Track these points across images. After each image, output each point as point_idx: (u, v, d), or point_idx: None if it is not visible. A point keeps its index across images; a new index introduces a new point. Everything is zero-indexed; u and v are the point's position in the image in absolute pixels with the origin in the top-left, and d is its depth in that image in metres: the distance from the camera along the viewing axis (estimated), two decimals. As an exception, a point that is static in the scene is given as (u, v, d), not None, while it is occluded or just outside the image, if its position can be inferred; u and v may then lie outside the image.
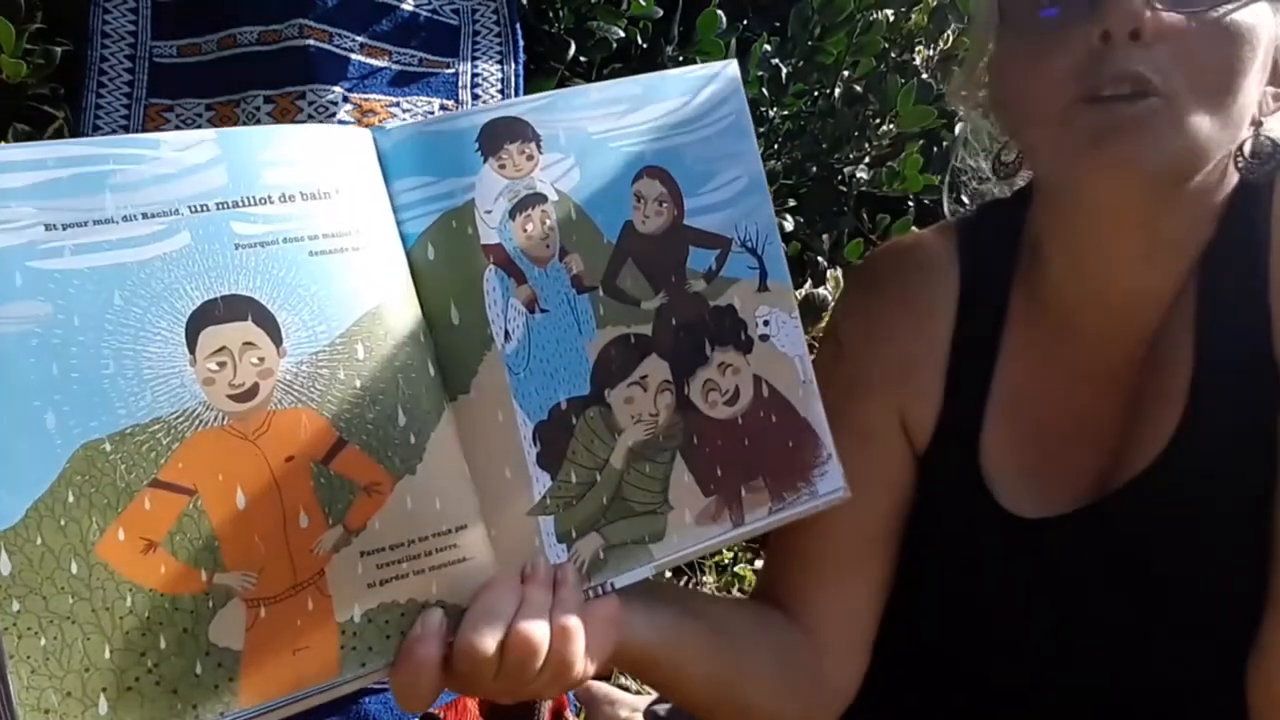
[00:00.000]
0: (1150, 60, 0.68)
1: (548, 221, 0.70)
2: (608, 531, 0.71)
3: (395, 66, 1.25)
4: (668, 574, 1.59)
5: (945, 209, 0.95)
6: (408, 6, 1.29)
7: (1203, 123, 0.69)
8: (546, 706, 1.22)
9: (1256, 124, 0.75)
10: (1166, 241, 0.77)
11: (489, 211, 0.69)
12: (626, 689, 1.42)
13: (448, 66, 1.27)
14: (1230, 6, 0.69)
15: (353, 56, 1.22)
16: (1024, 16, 0.73)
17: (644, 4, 1.38)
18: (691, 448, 0.74)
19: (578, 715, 1.35)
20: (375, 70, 1.23)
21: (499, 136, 0.70)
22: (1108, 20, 0.68)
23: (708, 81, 0.77)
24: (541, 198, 0.70)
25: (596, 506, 0.71)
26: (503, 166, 0.70)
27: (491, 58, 1.28)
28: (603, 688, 1.37)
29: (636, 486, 0.72)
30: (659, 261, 0.74)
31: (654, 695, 1.32)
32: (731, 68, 0.78)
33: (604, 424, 0.71)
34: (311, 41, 1.19)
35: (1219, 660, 0.77)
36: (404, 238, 0.67)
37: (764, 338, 0.78)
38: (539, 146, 0.71)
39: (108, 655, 0.54)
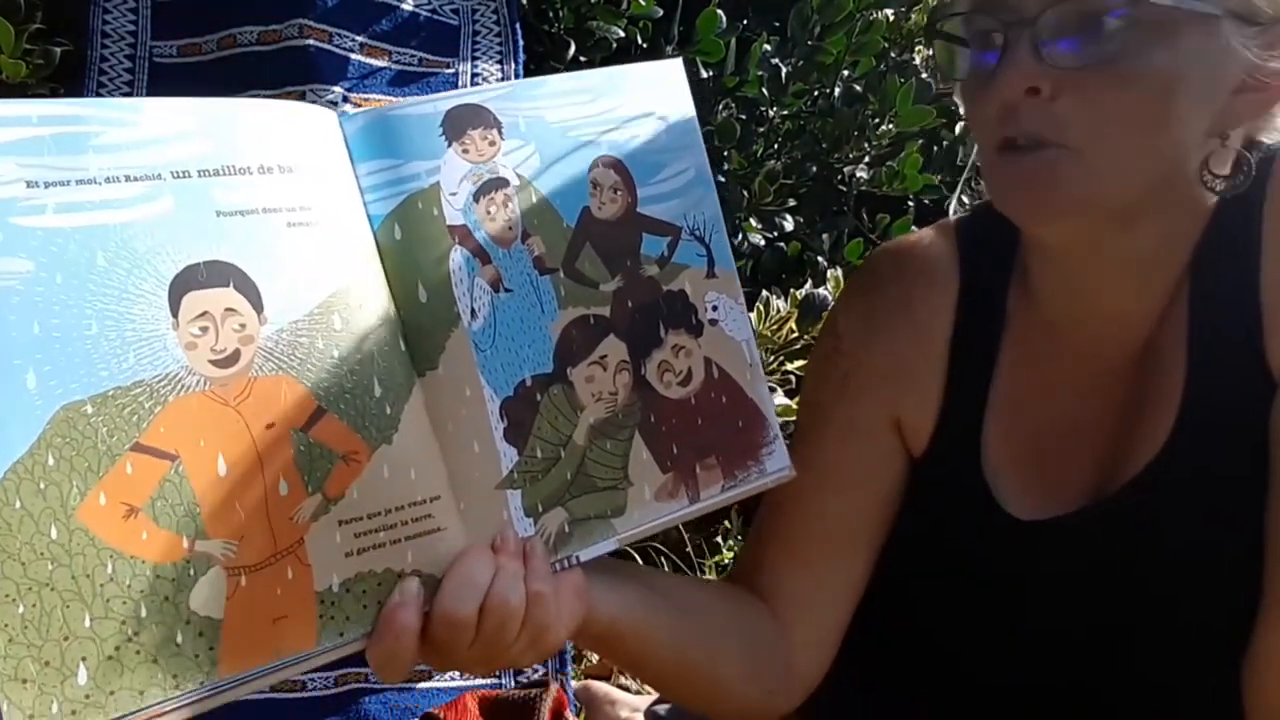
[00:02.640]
0: (1052, 114, 0.69)
1: (510, 205, 0.73)
2: (572, 506, 0.73)
3: (395, 66, 1.26)
4: (666, 569, 1.59)
5: (951, 207, 0.96)
6: (408, 6, 1.30)
7: (1115, 165, 0.70)
8: (547, 706, 1.21)
9: (1222, 136, 0.73)
10: (1144, 259, 0.78)
11: (454, 194, 0.71)
12: (626, 689, 1.41)
13: (448, 66, 1.28)
14: (1127, 54, 0.68)
15: (352, 56, 1.22)
16: (956, 70, 0.77)
17: (644, 4, 1.39)
18: (649, 426, 0.77)
19: (578, 715, 1.34)
20: (375, 70, 1.24)
21: (462, 122, 0.72)
22: (1004, 84, 0.70)
23: (657, 78, 0.81)
24: (504, 182, 0.73)
25: (561, 482, 0.72)
26: (466, 151, 0.72)
27: (491, 58, 1.29)
28: (602, 687, 1.36)
29: (598, 463, 0.74)
30: (615, 246, 0.77)
31: (654, 695, 1.31)
32: (676, 65, 0.82)
33: (567, 401, 0.73)
34: (311, 41, 1.19)
35: (1213, 662, 0.77)
36: (370, 218, 0.68)
37: (713, 322, 0.81)
38: (500, 133, 0.73)
39: (87, 624, 0.53)
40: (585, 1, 1.38)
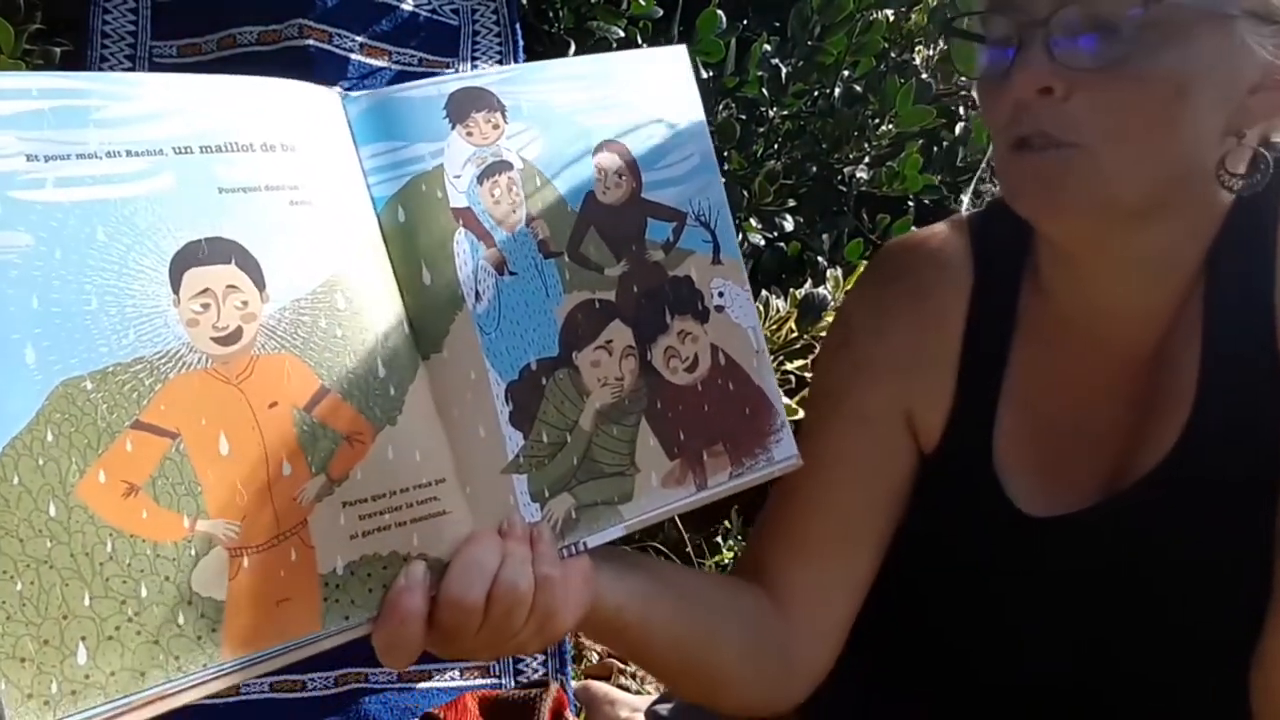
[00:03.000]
0: (1065, 114, 0.69)
1: (514, 188, 0.72)
2: (579, 492, 0.72)
3: (395, 66, 1.26)
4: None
5: (964, 206, 0.96)
6: (407, 6, 1.29)
7: (1128, 166, 0.70)
8: (546, 706, 1.20)
9: (1239, 134, 0.72)
10: (1156, 259, 0.77)
11: (457, 176, 0.70)
12: (626, 689, 1.40)
13: (448, 66, 1.28)
14: (1140, 54, 0.68)
15: (352, 56, 1.22)
16: (966, 70, 0.77)
17: (644, 4, 1.39)
18: (655, 412, 0.76)
19: (578, 715, 1.33)
20: (375, 70, 1.24)
21: (466, 105, 0.71)
22: (1016, 83, 0.70)
23: (660, 64, 0.80)
24: (508, 165, 0.72)
25: (567, 467, 0.71)
26: (470, 134, 0.71)
27: (491, 58, 1.29)
28: (602, 687, 1.36)
29: (605, 448, 0.73)
30: (619, 231, 0.76)
31: (654, 695, 1.30)
32: (681, 52, 0.82)
33: (572, 386, 0.72)
34: (311, 41, 1.19)
35: (1221, 663, 0.77)
36: (373, 200, 0.67)
37: (719, 308, 0.80)
38: (504, 116, 0.72)
39: (87, 602, 0.52)
40: (585, 1, 1.38)
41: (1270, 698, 0.75)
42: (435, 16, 1.31)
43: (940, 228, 0.92)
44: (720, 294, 0.81)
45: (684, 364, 0.78)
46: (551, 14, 1.40)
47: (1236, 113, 0.71)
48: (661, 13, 1.44)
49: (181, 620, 0.54)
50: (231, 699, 1.29)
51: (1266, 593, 0.75)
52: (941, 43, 1.60)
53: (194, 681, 0.54)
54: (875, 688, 0.97)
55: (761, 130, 1.53)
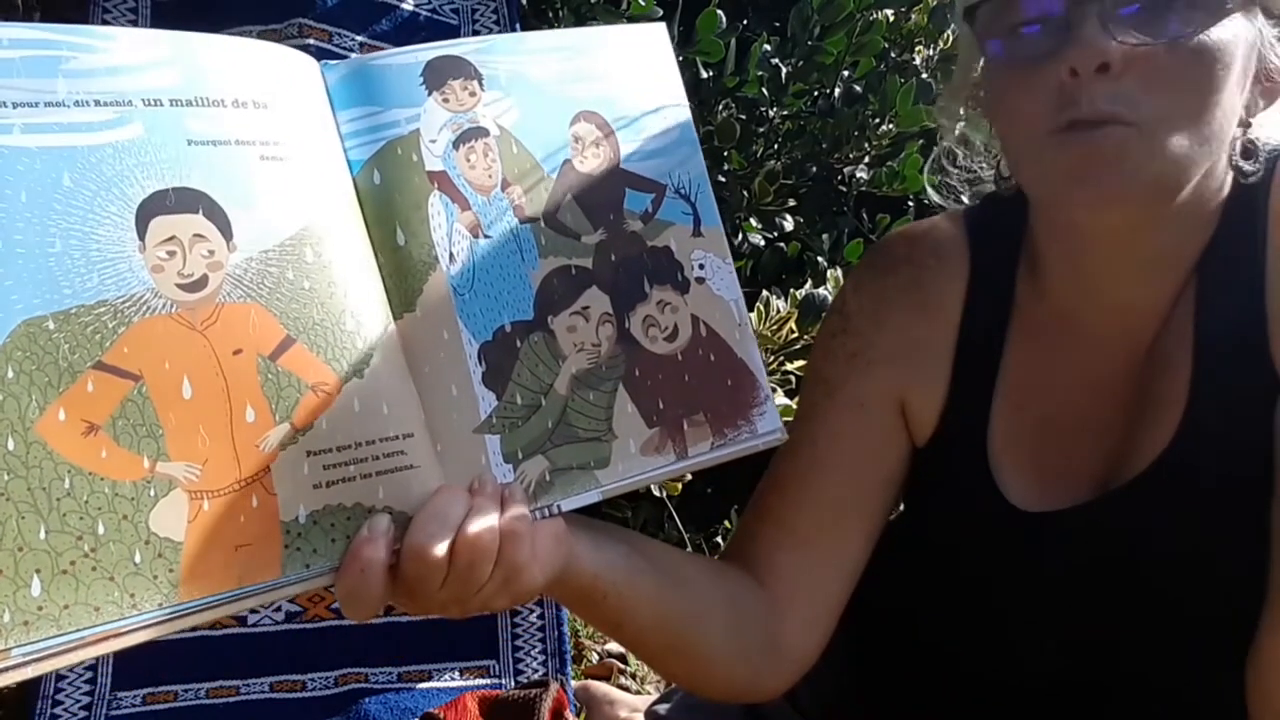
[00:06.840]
0: (1119, 92, 0.68)
1: (490, 153, 0.73)
2: (553, 455, 0.71)
3: None
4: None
5: (937, 202, 0.95)
6: (408, 6, 1.32)
7: (1179, 144, 0.69)
8: (546, 706, 1.19)
9: (1244, 124, 0.73)
10: (1160, 256, 0.77)
11: (433, 141, 0.71)
12: (626, 689, 1.39)
13: None
14: (1193, 30, 0.67)
15: (353, 56, 1.24)
16: (1000, 54, 0.74)
17: (644, 4, 1.41)
18: (634, 379, 0.76)
19: (578, 715, 1.32)
20: None
21: (443, 72, 0.72)
22: (1073, 59, 0.68)
23: (638, 39, 0.81)
24: (484, 131, 0.73)
25: (542, 430, 0.71)
26: (446, 100, 0.72)
27: None
28: (602, 687, 1.35)
29: (581, 413, 0.73)
30: (597, 199, 0.76)
31: (654, 695, 1.29)
32: (660, 29, 0.83)
33: (547, 349, 0.72)
34: (311, 41, 1.22)
35: (1216, 661, 0.76)
36: (349, 164, 0.68)
37: (700, 280, 0.80)
38: (481, 84, 0.73)
39: (43, 536, 0.52)
40: (585, 1, 1.40)
41: (1265, 696, 0.73)
42: (435, 16, 1.33)
43: (938, 220, 0.92)
44: (701, 265, 0.81)
45: (663, 333, 0.78)
46: (551, 14, 1.42)
47: (1247, 100, 0.72)
48: (661, 13, 1.46)
49: (138, 559, 0.55)
50: (231, 699, 1.29)
51: (1260, 591, 0.74)
52: (942, 42, 1.61)
53: (149, 620, 0.55)
54: (863, 677, 0.96)
55: (761, 130, 1.53)
